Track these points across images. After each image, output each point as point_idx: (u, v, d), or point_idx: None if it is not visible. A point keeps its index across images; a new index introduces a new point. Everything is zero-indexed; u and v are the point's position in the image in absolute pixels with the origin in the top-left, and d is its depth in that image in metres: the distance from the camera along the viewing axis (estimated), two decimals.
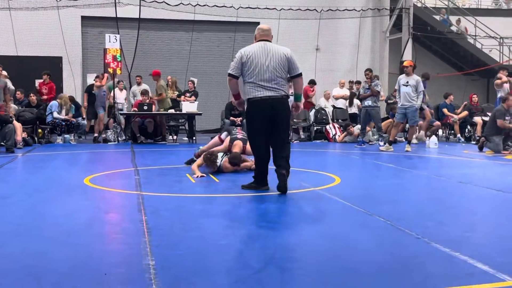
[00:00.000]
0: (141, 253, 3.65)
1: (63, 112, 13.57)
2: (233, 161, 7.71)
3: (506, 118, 11.29)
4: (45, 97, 14.38)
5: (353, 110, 16.24)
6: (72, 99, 14.42)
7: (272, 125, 6.03)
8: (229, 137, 8.18)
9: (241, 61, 6.02)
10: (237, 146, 7.93)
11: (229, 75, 6.08)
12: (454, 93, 16.42)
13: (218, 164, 7.65)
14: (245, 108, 6.22)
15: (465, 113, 14.90)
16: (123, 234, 4.35)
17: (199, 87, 16.10)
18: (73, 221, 4.69)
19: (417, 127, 14.56)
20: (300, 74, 6.15)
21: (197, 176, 7.32)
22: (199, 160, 7.68)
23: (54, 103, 13.55)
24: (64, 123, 13.44)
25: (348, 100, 16.39)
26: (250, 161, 7.68)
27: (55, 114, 13.37)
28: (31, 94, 14.01)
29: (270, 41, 6.19)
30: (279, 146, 6.09)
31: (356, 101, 16.10)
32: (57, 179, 7.39)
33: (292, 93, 15.29)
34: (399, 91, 11.78)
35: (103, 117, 14.45)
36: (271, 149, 6.20)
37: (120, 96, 15.29)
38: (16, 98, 14.18)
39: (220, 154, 7.82)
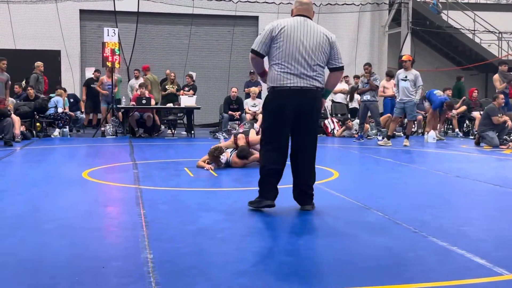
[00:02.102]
0: (139, 247, 3.66)
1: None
2: (241, 154, 7.70)
3: (499, 114, 11.56)
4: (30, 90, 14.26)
5: (354, 104, 16.24)
6: (64, 90, 14.41)
7: (296, 125, 4.79)
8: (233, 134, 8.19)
9: (271, 35, 4.68)
10: (241, 139, 7.93)
11: (253, 51, 4.78)
12: (452, 87, 16.41)
13: (222, 159, 7.61)
14: (266, 97, 4.90)
15: (464, 108, 14.90)
16: (121, 227, 4.36)
17: (198, 81, 16.09)
18: (71, 215, 4.70)
19: (415, 122, 14.60)
20: (342, 68, 5.03)
21: (206, 168, 7.40)
22: (205, 156, 7.68)
23: (59, 99, 13.57)
24: (68, 117, 13.49)
25: (348, 95, 16.37)
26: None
27: (60, 110, 13.41)
28: (29, 88, 13.98)
29: (311, 19, 4.92)
30: (301, 158, 4.90)
31: (357, 96, 16.11)
32: (56, 173, 7.39)
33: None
34: (397, 86, 11.78)
35: (105, 110, 14.39)
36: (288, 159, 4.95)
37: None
38: (14, 92, 14.16)
39: (229, 150, 7.82)
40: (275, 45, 4.70)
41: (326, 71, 4.99)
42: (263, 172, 4.82)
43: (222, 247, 3.73)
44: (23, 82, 15.13)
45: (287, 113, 4.70)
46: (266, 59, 4.85)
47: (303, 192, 4.92)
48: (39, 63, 14.43)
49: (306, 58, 4.69)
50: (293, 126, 4.79)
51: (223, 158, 7.63)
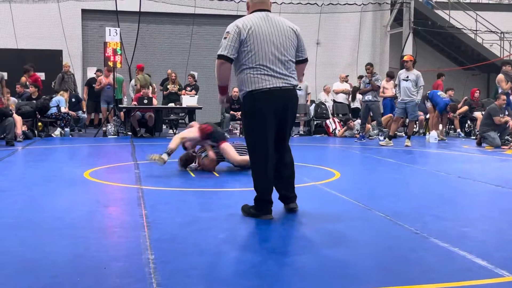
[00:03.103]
0: (140, 247, 3.66)
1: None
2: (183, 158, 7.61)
3: (500, 115, 11.58)
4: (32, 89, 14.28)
5: (356, 104, 16.23)
6: (66, 89, 14.44)
7: (278, 127, 4.58)
8: (198, 124, 7.78)
9: (239, 38, 4.39)
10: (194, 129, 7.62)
11: (221, 57, 4.41)
12: (454, 88, 16.40)
13: (188, 146, 7.47)
14: (244, 104, 4.61)
15: (465, 108, 14.89)
16: (122, 228, 4.36)
17: (200, 81, 16.09)
18: (73, 215, 4.70)
19: (417, 122, 14.59)
20: (307, 59, 4.84)
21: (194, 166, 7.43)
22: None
23: (61, 99, 13.59)
24: (69, 117, 13.53)
25: (350, 95, 16.36)
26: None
27: (63, 109, 13.44)
28: (31, 87, 13.99)
29: (270, 11, 4.66)
30: (286, 160, 4.72)
31: (358, 96, 16.11)
32: (57, 173, 7.39)
33: (300, 87, 15.12)
34: (399, 86, 11.77)
35: (105, 110, 14.40)
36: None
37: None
38: (16, 92, 14.17)
39: (203, 154, 7.57)
40: (245, 49, 4.42)
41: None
42: (258, 195, 4.61)
43: (224, 247, 3.73)
44: (53, 83, 15.32)
45: (270, 116, 4.47)
46: None
47: (286, 195, 4.84)
48: (65, 63, 14.58)
49: (279, 57, 4.49)
50: (276, 130, 4.58)
51: (187, 144, 7.45)
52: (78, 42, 17.91)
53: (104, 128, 13.77)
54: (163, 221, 4.48)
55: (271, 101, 4.45)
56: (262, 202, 4.59)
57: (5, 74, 12.53)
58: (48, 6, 16.81)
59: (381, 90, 13.80)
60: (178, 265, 3.33)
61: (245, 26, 4.42)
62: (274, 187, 4.70)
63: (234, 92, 14.56)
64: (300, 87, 15.26)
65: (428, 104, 14.30)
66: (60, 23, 17.06)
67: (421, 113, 14.59)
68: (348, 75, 17.15)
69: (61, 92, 13.97)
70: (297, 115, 15.13)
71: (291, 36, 4.58)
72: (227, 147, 7.34)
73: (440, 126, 13.95)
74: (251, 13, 4.60)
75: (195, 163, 7.66)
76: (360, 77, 16.07)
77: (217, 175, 7.15)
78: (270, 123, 4.48)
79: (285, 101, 4.53)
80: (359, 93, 14.41)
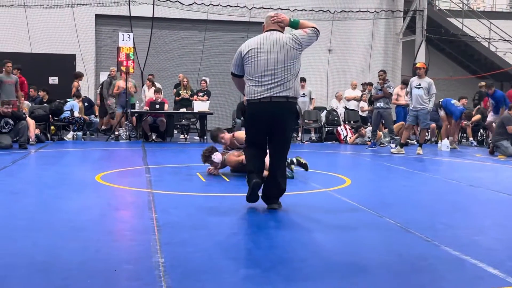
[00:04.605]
0: (150, 250, 3.67)
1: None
2: (211, 134, 7.82)
3: None
4: (42, 93, 14.37)
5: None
6: (79, 95, 14.56)
7: (270, 134, 5.09)
8: (229, 134, 7.99)
9: (241, 56, 5.12)
10: (226, 137, 7.83)
11: (232, 73, 5.30)
12: (467, 96, 16.32)
13: (215, 158, 7.42)
14: (245, 111, 5.32)
15: (478, 116, 14.80)
16: (133, 231, 4.38)
17: (211, 87, 16.14)
18: (84, 217, 4.73)
19: (429, 130, 14.52)
20: (314, 33, 5.09)
21: (210, 172, 7.50)
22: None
23: (75, 104, 13.72)
24: (82, 121, 13.63)
25: (365, 102, 16.32)
26: None
27: (77, 114, 13.55)
28: (40, 91, 14.10)
29: (281, 31, 5.17)
30: (275, 164, 5.15)
31: (362, 104, 16.17)
32: (69, 176, 7.44)
33: (304, 94, 15.16)
34: (411, 94, 11.73)
35: (119, 115, 14.44)
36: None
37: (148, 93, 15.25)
38: (29, 95, 14.30)
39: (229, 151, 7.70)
40: (246, 65, 5.06)
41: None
42: (247, 169, 5.21)
43: (234, 252, 3.73)
44: (99, 87, 15.56)
45: (260, 123, 5.02)
46: None
47: (270, 196, 5.20)
48: (112, 68, 14.76)
49: (275, 72, 4.92)
50: (269, 135, 5.09)
51: (215, 157, 7.42)
52: (92, 47, 18.05)
53: (116, 133, 13.85)
54: (173, 225, 4.49)
55: (261, 110, 4.98)
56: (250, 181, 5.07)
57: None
58: (62, 11, 16.98)
59: (394, 97, 13.76)
60: (187, 269, 3.33)
61: (247, 46, 5.09)
62: (262, 187, 5.17)
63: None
64: (303, 94, 15.27)
65: (442, 113, 14.20)
66: (74, 27, 17.21)
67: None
68: (362, 84, 17.15)
69: (77, 99, 14.11)
70: (307, 121, 15.32)
71: (290, 50, 4.98)
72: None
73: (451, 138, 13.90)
74: (263, 33, 5.18)
75: (215, 158, 7.52)
76: (370, 84, 16.05)
77: (227, 180, 7.16)
78: (259, 129, 5.07)
79: (274, 111, 4.96)
80: (372, 100, 14.37)
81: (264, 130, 5.05)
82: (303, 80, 15.86)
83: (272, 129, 5.02)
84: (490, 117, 13.93)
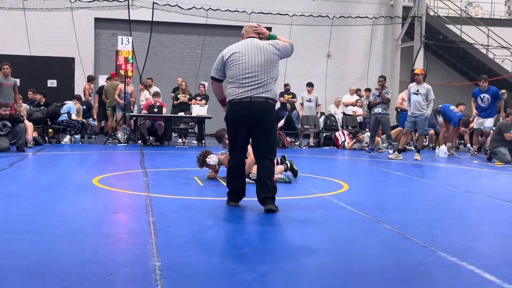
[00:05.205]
0: (147, 254, 3.66)
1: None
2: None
3: (511, 131, 11.49)
4: (39, 96, 14.33)
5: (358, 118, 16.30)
6: (79, 98, 14.57)
7: (253, 134, 5.34)
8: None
9: (223, 61, 5.34)
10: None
11: (212, 77, 5.46)
12: (465, 102, 16.36)
13: (210, 161, 7.45)
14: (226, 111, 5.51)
15: None
16: (130, 234, 4.37)
17: (210, 91, 16.12)
18: (81, 220, 4.72)
19: (427, 136, 14.53)
20: (288, 52, 5.42)
21: (210, 175, 7.53)
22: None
23: (72, 106, 13.71)
24: (80, 125, 13.62)
25: (364, 108, 16.37)
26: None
27: (74, 116, 13.53)
28: (37, 94, 14.08)
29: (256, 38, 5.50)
30: (260, 165, 5.34)
31: (354, 108, 16.23)
32: (66, 179, 7.43)
33: (310, 99, 15.23)
34: (409, 100, 11.75)
35: (120, 117, 14.38)
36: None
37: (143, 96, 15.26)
38: (27, 98, 14.30)
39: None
40: (228, 68, 5.29)
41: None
42: (229, 174, 5.54)
43: (230, 256, 3.73)
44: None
45: (241, 123, 5.25)
46: None
47: (265, 197, 5.29)
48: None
49: (255, 74, 5.19)
50: (251, 135, 5.36)
51: (210, 160, 7.44)
52: (91, 50, 18.06)
53: (118, 135, 13.86)
54: (170, 228, 4.49)
55: (242, 110, 5.23)
56: (229, 192, 5.51)
57: (17, 81, 12.67)
58: (61, 14, 17.00)
59: (399, 101, 13.80)
60: (184, 273, 3.33)
61: (229, 51, 5.35)
62: (256, 192, 5.34)
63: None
64: (310, 99, 15.33)
65: (440, 119, 14.22)
66: (73, 31, 17.23)
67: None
68: (360, 89, 17.18)
69: (75, 101, 14.10)
70: (306, 126, 15.34)
71: (270, 56, 5.27)
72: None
73: (449, 144, 13.92)
74: (244, 39, 5.50)
75: (210, 161, 7.53)
76: (368, 90, 16.09)
77: (225, 184, 7.14)
78: (240, 129, 5.29)
79: (254, 110, 5.20)
80: (370, 105, 14.39)
81: (245, 130, 5.28)
82: (310, 85, 15.92)
83: (253, 129, 5.25)
84: (478, 123, 13.23)
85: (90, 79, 15.47)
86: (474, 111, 13.44)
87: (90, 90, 15.06)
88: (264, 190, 5.27)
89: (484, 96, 13.07)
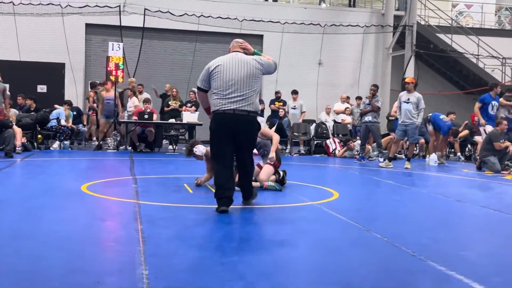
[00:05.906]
0: (135, 262, 3.62)
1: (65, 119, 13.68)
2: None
3: (501, 140, 11.53)
4: (29, 101, 14.23)
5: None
6: (70, 103, 14.46)
7: (235, 144, 5.60)
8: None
9: (208, 72, 5.63)
10: None
11: (197, 87, 5.82)
12: (455, 111, 16.44)
13: (196, 151, 7.44)
14: (210, 121, 5.72)
15: (466, 132, 14.89)
16: (118, 242, 4.33)
17: None
18: (69, 228, 4.68)
19: (417, 145, 14.57)
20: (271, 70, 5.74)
21: (197, 182, 7.49)
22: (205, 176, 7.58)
23: (61, 112, 13.60)
24: (69, 130, 13.52)
25: (351, 115, 16.43)
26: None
27: (63, 122, 13.44)
28: (27, 100, 13.99)
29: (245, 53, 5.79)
30: (242, 171, 5.88)
31: (344, 116, 16.27)
32: (55, 185, 7.37)
33: (295, 106, 15.20)
34: (399, 108, 11.78)
35: (103, 124, 14.29)
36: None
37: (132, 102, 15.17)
38: (17, 103, 14.21)
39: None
40: (212, 79, 5.57)
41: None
42: (216, 186, 5.62)
43: (220, 264, 3.69)
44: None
45: (224, 132, 5.54)
46: None
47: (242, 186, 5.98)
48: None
49: (238, 87, 5.47)
50: (234, 144, 5.59)
51: (197, 150, 7.45)
52: (81, 56, 18.00)
53: (101, 143, 13.73)
54: (159, 236, 4.45)
55: (225, 121, 5.52)
56: (218, 198, 5.55)
57: (7, 86, 12.60)
58: (52, 20, 16.92)
59: (394, 109, 13.84)
60: (171, 281, 3.29)
61: (215, 63, 5.62)
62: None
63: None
64: (294, 106, 15.40)
65: (430, 127, 14.28)
66: (64, 36, 17.16)
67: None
68: (349, 97, 17.22)
69: (66, 106, 13.99)
70: (296, 134, 15.35)
71: (253, 70, 5.55)
72: None
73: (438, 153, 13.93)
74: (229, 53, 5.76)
75: (197, 151, 7.50)
76: (358, 98, 16.12)
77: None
78: (223, 139, 5.55)
79: (236, 123, 5.50)
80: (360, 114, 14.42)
81: (228, 140, 5.54)
82: (295, 92, 15.96)
83: (235, 139, 5.55)
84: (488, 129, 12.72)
85: (93, 86, 15.23)
86: (483, 121, 12.77)
87: (94, 97, 14.83)
88: (245, 194, 5.99)
89: (495, 104, 12.93)
